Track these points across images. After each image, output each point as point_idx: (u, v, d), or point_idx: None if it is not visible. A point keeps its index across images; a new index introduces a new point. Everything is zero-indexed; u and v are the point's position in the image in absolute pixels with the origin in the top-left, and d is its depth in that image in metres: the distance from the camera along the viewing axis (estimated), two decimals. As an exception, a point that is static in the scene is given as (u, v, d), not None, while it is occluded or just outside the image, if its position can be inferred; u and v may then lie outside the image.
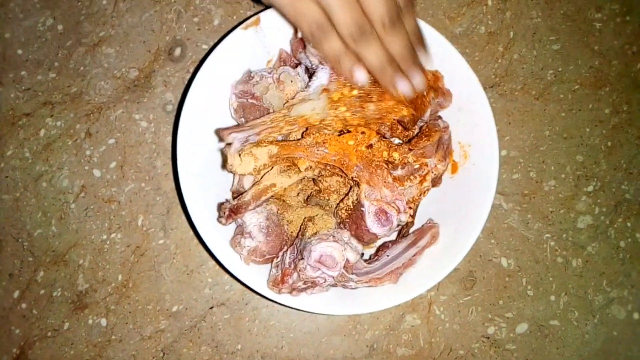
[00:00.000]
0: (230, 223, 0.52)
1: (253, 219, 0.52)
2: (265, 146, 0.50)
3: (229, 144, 0.49)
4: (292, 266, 0.50)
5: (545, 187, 0.63)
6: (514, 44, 0.65)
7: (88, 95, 0.63)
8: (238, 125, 0.55)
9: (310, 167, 0.51)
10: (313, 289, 0.51)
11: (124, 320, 0.60)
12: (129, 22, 0.64)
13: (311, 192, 0.55)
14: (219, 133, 0.51)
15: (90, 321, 0.60)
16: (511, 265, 0.62)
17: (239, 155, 0.49)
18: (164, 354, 0.59)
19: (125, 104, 0.63)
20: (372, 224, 0.50)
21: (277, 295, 0.51)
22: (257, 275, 0.53)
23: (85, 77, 0.63)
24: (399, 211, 0.51)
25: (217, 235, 0.53)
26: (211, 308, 0.60)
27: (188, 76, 0.63)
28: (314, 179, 0.54)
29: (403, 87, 0.48)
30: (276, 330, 0.60)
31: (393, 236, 0.56)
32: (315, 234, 0.51)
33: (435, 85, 0.53)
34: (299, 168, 0.50)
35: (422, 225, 0.55)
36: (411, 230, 0.56)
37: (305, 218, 0.53)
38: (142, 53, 0.64)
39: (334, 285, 0.52)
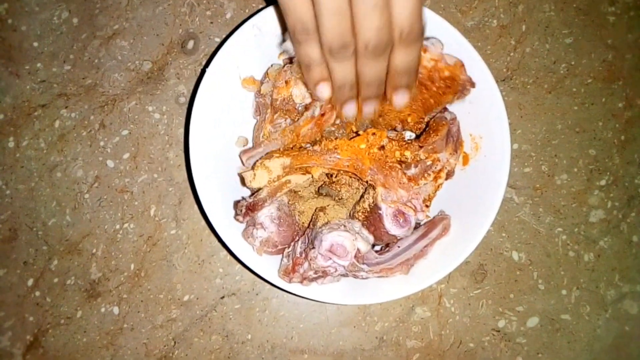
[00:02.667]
0: (247, 220, 0.52)
1: (265, 210, 0.52)
2: (278, 158, 0.50)
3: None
4: (303, 255, 0.50)
5: (557, 181, 0.63)
6: (526, 38, 0.65)
7: (102, 87, 0.64)
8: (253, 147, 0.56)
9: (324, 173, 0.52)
10: (324, 278, 0.51)
11: (136, 309, 0.60)
12: (143, 15, 0.65)
13: (323, 183, 0.55)
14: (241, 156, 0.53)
15: (102, 309, 0.60)
16: (522, 259, 0.62)
17: (252, 169, 0.50)
18: (175, 342, 0.60)
19: (139, 95, 0.64)
20: (390, 226, 0.51)
21: (287, 284, 0.52)
22: (268, 265, 0.53)
23: (100, 70, 0.64)
24: (416, 211, 0.51)
25: (230, 226, 0.53)
26: (222, 298, 0.61)
27: (201, 68, 0.64)
28: (326, 173, 0.54)
29: (348, 111, 0.48)
30: (286, 321, 0.60)
31: None
32: (327, 223, 0.51)
33: (456, 78, 0.52)
34: (312, 175, 0.51)
35: (434, 217, 0.55)
36: (423, 222, 0.56)
37: (316, 208, 0.53)
38: (156, 46, 0.65)
39: (345, 275, 0.52)
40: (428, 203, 0.53)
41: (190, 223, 0.62)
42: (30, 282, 0.61)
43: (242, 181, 0.52)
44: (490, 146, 0.54)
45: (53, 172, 0.62)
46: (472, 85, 0.53)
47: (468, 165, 0.56)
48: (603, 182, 0.63)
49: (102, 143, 0.63)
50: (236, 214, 0.52)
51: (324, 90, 0.47)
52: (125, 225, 0.62)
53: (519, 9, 0.66)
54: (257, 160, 0.51)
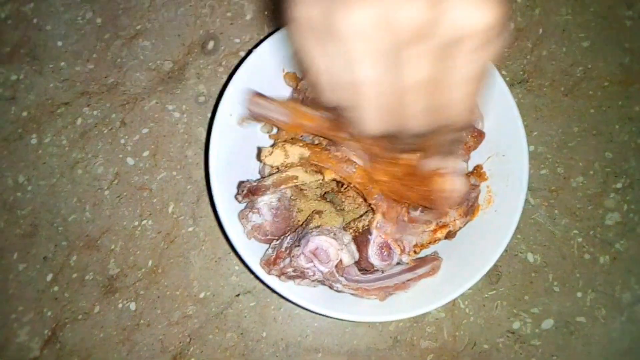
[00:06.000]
0: (245, 201, 0.53)
1: (265, 198, 0.52)
2: (300, 146, 0.51)
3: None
4: (287, 251, 0.51)
5: (573, 184, 0.63)
6: (543, 41, 0.65)
7: (124, 86, 0.65)
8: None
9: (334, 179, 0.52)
10: (301, 279, 0.51)
11: (152, 305, 0.61)
12: (165, 16, 0.66)
13: (331, 189, 0.56)
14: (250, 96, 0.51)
15: (120, 305, 0.61)
16: (537, 261, 0.62)
17: (272, 147, 0.51)
18: (190, 339, 0.60)
19: (159, 95, 0.65)
20: (372, 254, 0.51)
21: (265, 275, 0.52)
22: (254, 252, 0.53)
23: (122, 69, 0.65)
24: (402, 251, 0.51)
25: (230, 209, 0.54)
26: (237, 295, 0.61)
27: (220, 69, 0.65)
28: (337, 181, 0.55)
29: None
30: (301, 319, 0.61)
31: None
32: (319, 227, 0.51)
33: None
34: (323, 176, 0.51)
35: (426, 255, 0.55)
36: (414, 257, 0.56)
37: (313, 210, 0.54)
38: (177, 46, 0.66)
39: (322, 282, 0.52)
40: (418, 250, 0.53)
41: (207, 221, 0.62)
42: (49, 277, 0.62)
43: (259, 154, 0.52)
44: (503, 205, 0.54)
45: (74, 169, 0.64)
46: (482, 137, 0.54)
47: (477, 217, 0.56)
48: (619, 185, 0.63)
49: (122, 141, 0.64)
50: (237, 193, 0.53)
51: None
52: (144, 222, 0.62)
53: (535, 12, 0.66)
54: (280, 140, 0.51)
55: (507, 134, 0.55)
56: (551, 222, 0.62)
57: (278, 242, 0.53)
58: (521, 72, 0.65)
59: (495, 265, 0.60)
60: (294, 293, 0.52)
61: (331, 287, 0.52)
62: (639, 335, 0.60)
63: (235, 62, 0.65)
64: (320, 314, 0.53)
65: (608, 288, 0.61)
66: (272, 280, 0.52)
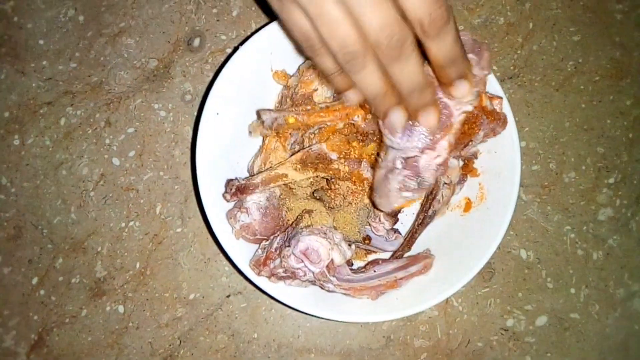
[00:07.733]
0: (233, 200, 0.52)
1: (254, 197, 0.52)
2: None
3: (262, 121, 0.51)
4: (278, 252, 0.50)
5: (565, 179, 0.62)
6: (534, 35, 0.65)
7: (108, 85, 0.64)
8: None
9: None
10: (292, 280, 0.51)
11: (141, 308, 0.60)
12: (149, 13, 0.65)
13: (321, 187, 0.55)
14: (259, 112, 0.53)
15: (108, 308, 0.60)
16: (530, 257, 0.61)
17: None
18: (180, 341, 0.59)
19: (145, 93, 0.63)
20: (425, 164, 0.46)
21: (255, 276, 0.51)
22: (243, 253, 0.52)
23: (106, 67, 0.64)
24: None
25: (218, 207, 0.53)
26: (228, 296, 0.60)
27: (207, 66, 0.64)
28: (327, 179, 0.54)
29: (395, 122, 0.42)
30: (292, 320, 0.60)
31: (386, 255, 0.57)
32: (309, 226, 0.50)
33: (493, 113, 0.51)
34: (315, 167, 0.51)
35: (418, 253, 0.55)
36: (406, 255, 0.56)
37: (304, 209, 0.53)
38: (162, 43, 0.64)
39: (313, 282, 0.51)
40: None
41: (195, 221, 0.61)
42: (35, 280, 0.60)
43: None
44: (495, 202, 0.54)
45: (58, 170, 0.62)
46: (505, 124, 0.52)
47: (468, 214, 0.56)
48: (612, 180, 0.63)
49: (107, 141, 0.63)
50: (225, 192, 0.52)
51: (351, 98, 0.44)
52: (131, 223, 0.61)
53: (526, 6, 0.65)
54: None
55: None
56: (544, 218, 0.62)
57: (268, 242, 0.52)
58: (512, 67, 0.64)
59: (488, 263, 0.60)
60: (285, 294, 0.51)
61: (322, 287, 0.52)
62: (633, 330, 0.60)
63: (222, 59, 0.64)
64: (311, 315, 0.52)
65: (601, 284, 0.61)
66: (262, 282, 0.51)
